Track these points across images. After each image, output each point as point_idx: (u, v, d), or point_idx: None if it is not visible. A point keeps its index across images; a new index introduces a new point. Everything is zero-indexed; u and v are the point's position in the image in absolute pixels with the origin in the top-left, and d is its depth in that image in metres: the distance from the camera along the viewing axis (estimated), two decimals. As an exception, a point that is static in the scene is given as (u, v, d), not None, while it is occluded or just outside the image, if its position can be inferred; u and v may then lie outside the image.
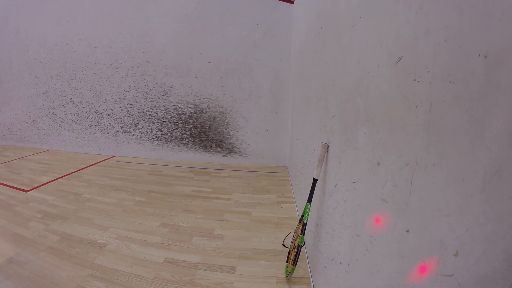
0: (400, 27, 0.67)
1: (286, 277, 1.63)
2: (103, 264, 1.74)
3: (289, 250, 1.68)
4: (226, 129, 4.07)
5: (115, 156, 4.49)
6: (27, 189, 2.95)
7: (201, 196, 2.88)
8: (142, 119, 4.26)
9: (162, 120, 4.20)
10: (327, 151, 1.35)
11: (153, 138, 4.30)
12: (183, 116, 4.13)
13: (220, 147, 4.15)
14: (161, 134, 4.26)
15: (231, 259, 1.81)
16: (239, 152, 4.12)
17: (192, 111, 4.08)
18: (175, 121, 4.17)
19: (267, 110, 3.94)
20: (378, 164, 0.77)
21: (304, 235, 1.44)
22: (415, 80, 0.59)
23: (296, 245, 1.50)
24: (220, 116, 4.04)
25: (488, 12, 0.40)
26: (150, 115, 4.22)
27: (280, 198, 2.85)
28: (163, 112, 4.17)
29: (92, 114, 4.45)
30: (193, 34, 3.84)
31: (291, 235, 2.02)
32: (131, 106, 4.25)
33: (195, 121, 4.11)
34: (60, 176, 3.43)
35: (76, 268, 1.69)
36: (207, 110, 4.04)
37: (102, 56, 4.17)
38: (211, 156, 4.19)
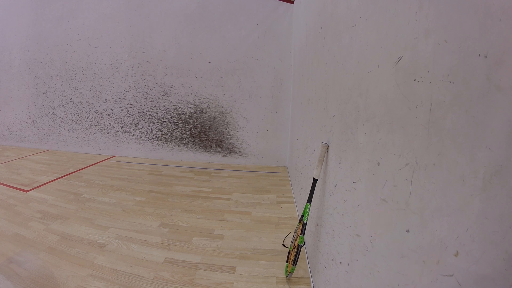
0: (400, 27, 0.67)
1: (286, 277, 1.63)
2: (103, 264, 1.74)
3: (289, 250, 1.68)
4: (226, 129, 4.07)
5: (115, 156, 4.49)
6: (27, 189, 2.95)
7: (201, 196, 2.88)
8: (142, 119, 4.26)
9: (162, 120, 4.20)
10: (327, 151, 1.35)
11: (153, 138, 4.30)
12: (183, 116, 4.13)
13: (220, 147, 4.15)
14: (161, 134, 4.26)
15: (231, 259, 1.81)
16: (239, 152, 4.12)
17: (192, 111, 4.09)
18: (175, 121, 4.17)
19: (267, 110, 3.94)
20: (378, 164, 0.77)
21: (304, 235, 1.44)
22: (415, 80, 0.59)
23: (296, 245, 1.50)
24: (220, 116, 4.04)
25: (488, 12, 0.40)
26: (150, 115, 4.22)
27: (280, 198, 2.85)
28: (163, 112, 4.17)
29: (92, 114, 4.45)
30: (193, 34, 3.84)
31: (291, 235, 2.02)
32: (131, 106, 4.25)
33: (195, 121, 4.11)
34: (60, 176, 3.43)
35: (76, 268, 1.69)
36: (207, 110, 4.04)
37: (102, 56, 4.18)
38: (211, 156, 4.19)
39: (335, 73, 1.27)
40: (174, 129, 4.20)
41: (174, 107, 4.12)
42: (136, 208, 2.56)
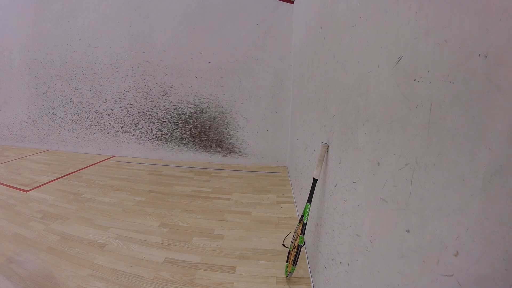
0: (400, 27, 0.67)
1: (286, 277, 1.63)
2: (103, 264, 1.74)
3: (289, 250, 1.68)
4: (226, 129, 4.07)
5: (115, 156, 4.49)
6: (27, 189, 2.95)
7: (201, 196, 2.88)
8: (142, 119, 4.26)
9: (162, 120, 4.20)
10: (327, 151, 1.35)
11: (153, 138, 4.30)
12: (183, 116, 4.13)
13: (220, 147, 4.15)
14: (161, 134, 4.26)
15: (231, 259, 1.81)
16: (239, 152, 4.12)
17: (192, 111, 4.08)
18: (175, 121, 4.17)
19: (267, 110, 3.94)
20: (378, 164, 0.77)
21: (304, 235, 1.44)
22: (415, 80, 0.59)
23: (296, 245, 1.50)
24: (220, 116, 4.04)
25: (488, 12, 0.40)
26: (150, 115, 4.22)
27: (280, 198, 2.85)
28: (163, 112, 4.17)
29: (92, 114, 4.45)
30: (193, 34, 3.84)
31: (291, 235, 2.02)
32: (131, 106, 4.25)
33: (195, 121, 4.11)
34: (60, 176, 3.43)
35: (76, 268, 1.69)
36: (207, 110, 4.04)
37: (102, 56, 4.17)
38: (211, 156, 4.19)
39: (335, 73, 1.27)
40: (174, 129, 4.20)
41: (174, 107, 4.12)
42: (136, 208, 2.56)
